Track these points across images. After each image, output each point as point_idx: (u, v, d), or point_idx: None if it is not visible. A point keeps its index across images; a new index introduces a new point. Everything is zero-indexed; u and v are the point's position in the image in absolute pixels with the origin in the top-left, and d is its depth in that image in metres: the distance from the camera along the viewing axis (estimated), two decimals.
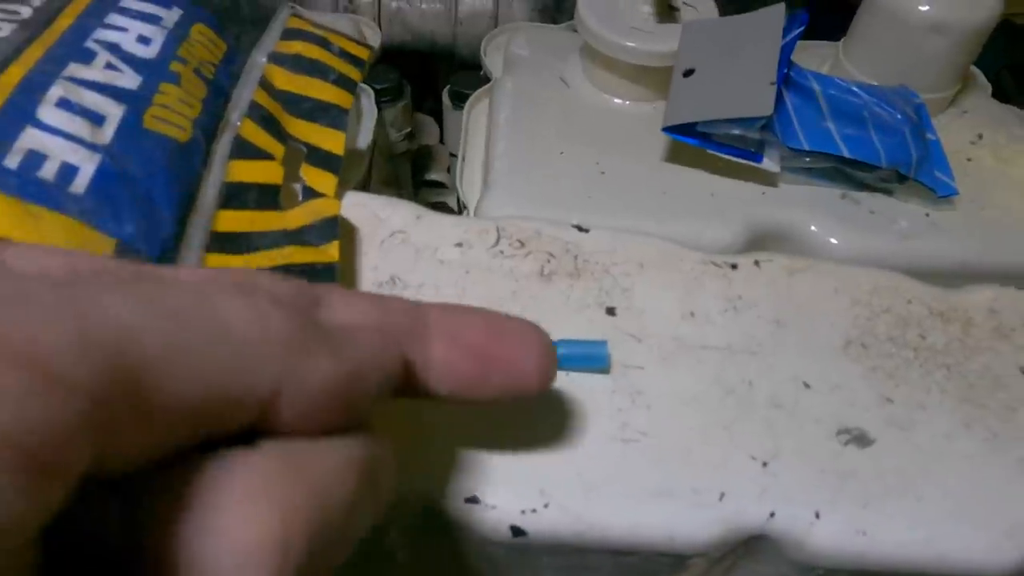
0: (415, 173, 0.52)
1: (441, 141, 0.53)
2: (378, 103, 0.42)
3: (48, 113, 0.18)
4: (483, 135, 0.40)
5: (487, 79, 0.44)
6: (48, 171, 0.17)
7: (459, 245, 0.24)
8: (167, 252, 0.18)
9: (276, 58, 0.26)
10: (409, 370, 0.15)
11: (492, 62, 0.44)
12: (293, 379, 0.12)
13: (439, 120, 0.53)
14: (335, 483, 0.12)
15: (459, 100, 0.44)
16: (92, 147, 0.18)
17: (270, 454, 0.11)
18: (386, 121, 0.44)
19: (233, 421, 0.11)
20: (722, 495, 0.20)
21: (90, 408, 0.09)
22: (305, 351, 0.12)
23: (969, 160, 0.36)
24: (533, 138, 0.36)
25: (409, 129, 0.46)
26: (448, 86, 0.46)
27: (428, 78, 0.55)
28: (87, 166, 0.18)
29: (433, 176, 0.51)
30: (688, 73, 0.34)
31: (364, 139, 0.40)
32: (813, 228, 0.33)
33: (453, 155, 0.51)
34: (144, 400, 0.09)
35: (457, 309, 0.17)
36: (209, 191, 0.20)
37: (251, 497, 0.11)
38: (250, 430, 0.12)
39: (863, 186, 0.34)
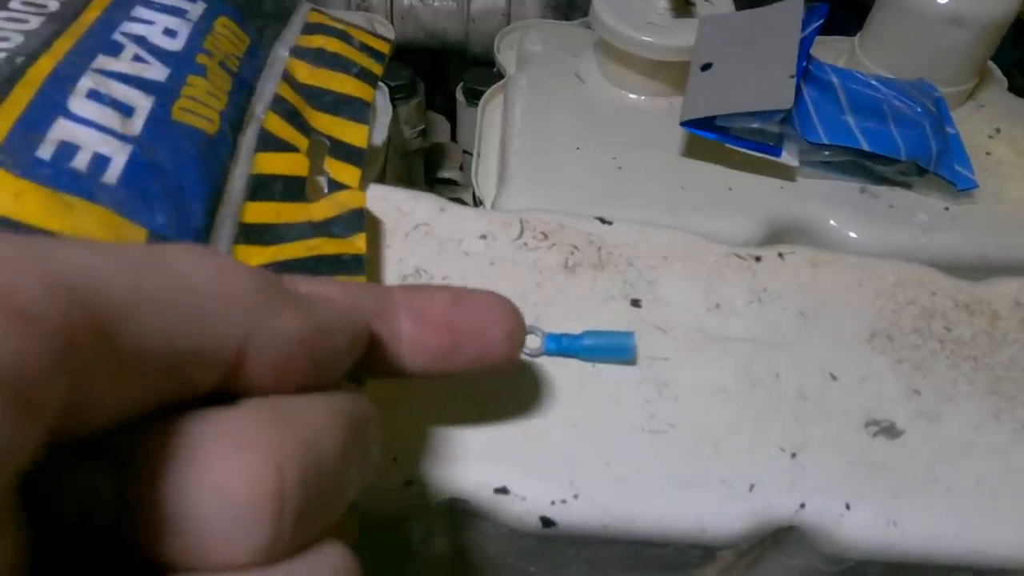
0: (427, 171, 0.52)
1: (453, 139, 0.53)
2: (392, 100, 0.42)
3: (79, 104, 0.18)
4: (498, 131, 0.40)
5: (500, 76, 0.43)
6: (81, 161, 0.17)
7: (483, 237, 0.24)
8: (199, 243, 0.18)
9: (298, 52, 0.26)
10: (380, 347, 0.15)
11: (505, 59, 0.44)
12: (260, 332, 0.11)
13: (451, 118, 0.53)
14: (324, 433, 0.12)
15: (473, 97, 0.44)
16: (123, 138, 0.18)
17: (256, 407, 0.11)
18: (400, 118, 0.44)
19: (204, 375, 0.11)
20: (752, 486, 0.20)
21: (63, 347, 0.09)
22: (270, 305, 0.12)
23: (988, 154, 0.36)
24: (548, 134, 0.36)
25: (422, 126, 0.46)
26: (462, 83, 0.46)
27: (440, 76, 0.55)
28: (119, 157, 0.18)
29: (445, 174, 0.51)
30: (706, 67, 0.34)
31: (379, 136, 0.40)
32: (832, 222, 0.33)
33: (466, 152, 0.51)
34: (112, 347, 0.09)
35: (421, 288, 0.17)
36: (237, 183, 0.20)
37: (241, 448, 0.10)
38: (226, 394, 0.12)
39: (882, 180, 0.34)
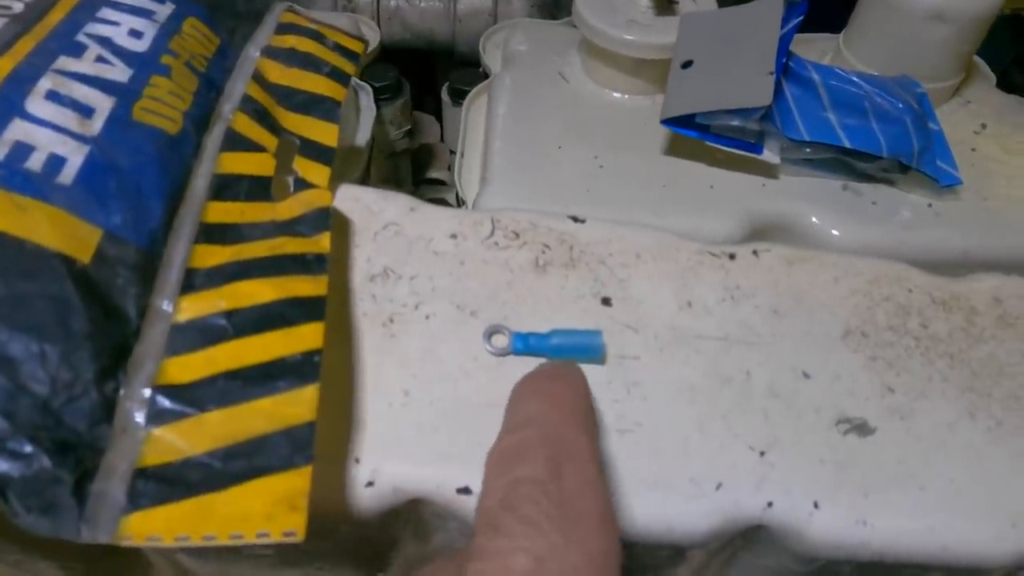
0: (416, 171, 0.51)
1: (442, 139, 0.53)
2: (377, 101, 0.42)
3: (36, 105, 0.18)
4: (482, 131, 0.40)
5: (486, 76, 0.43)
6: (35, 162, 0.17)
7: (453, 236, 0.24)
8: (155, 242, 0.18)
9: (269, 52, 0.26)
10: None
11: (491, 59, 0.44)
12: None
13: (440, 118, 0.53)
14: None
15: (458, 97, 0.44)
16: (81, 139, 0.18)
17: None
18: (385, 119, 0.44)
19: None
20: (719, 485, 0.20)
21: None
22: None
23: (973, 150, 0.36)
24: (531, 133, 0.35)
25: (409, 127, 0.46)
26: (447, 83, 0.46)
27: (428, 76, 0.55)
28: (75, 157, 0.18)
29: (434, 174, 0.51)
30: (687, 65, 0.34)
31: (363, 136, 0.40)
32: (814, 220, 0.32)
33: (454, 153, 0.51)
34: None
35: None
36: (199, 182, 0.20)
37: None
38: None
39: (865, 177, 0.34)
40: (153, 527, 0.14)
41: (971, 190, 0.34)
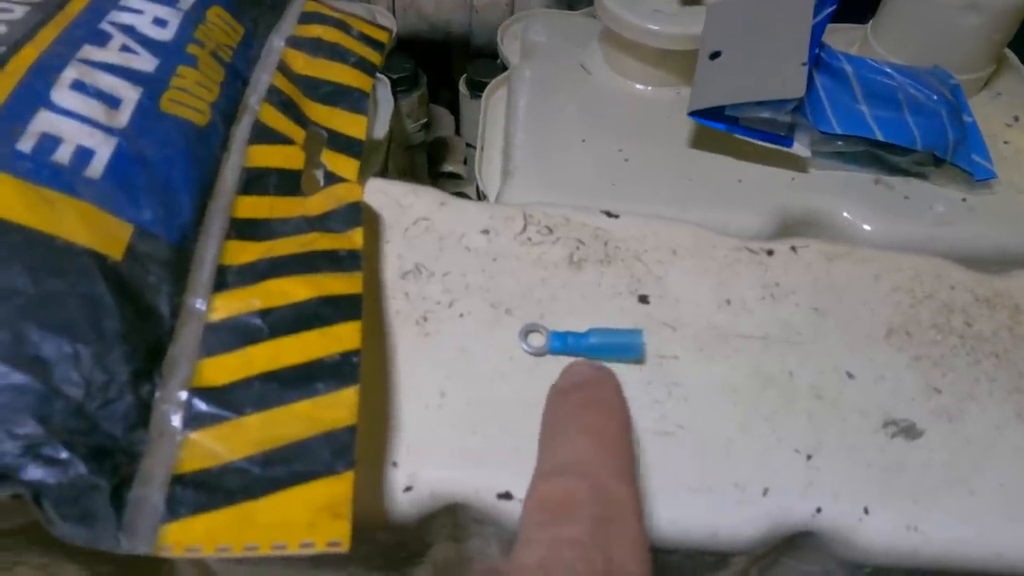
0: (430, 165, 0.51)
1: (457, 132, 0.52)
2: (394, 93, 0.41)
3: (62, 95, 0.18)
4: (502, 124, 0.39)
5: (504, 67, 0.43)
6: (63, 155, 0.17)
7: (485, 232, 0.23)
8: (186, 238, 0.17)
9: (294, 42, 0.25)
10: None
11: (509, 50, 0.43)
12: None
13: (454, 112, 0.52)
14: None
15: (476, 89, 0.43)
16: (108, 130, 0.18)
17: None
18: (402, 111, 0.44)
19: None
20: (766, 490, 0.20)
21: None
22: None
23: (1006, 143, 0.35)
24: (553, 126, 0.35)
25: (425, 119, 0.45)
26: (464, 75, 0.45)
27: (443, 69, 0.55)
28: (103, 150, 0.17)
29: (449, 168, 0.51)
30: (715, 56, 0.33)
31: (381, 129, 0.39)
32: (846, 215, 0.32)
33: (470, 146, 0.50)
34: None
35: None
36: (228, 176, 0.20)
37: None
38: None
39: (897, 171, 0.33)
40: (193, 537, 0.14)
41: (1005, 184, 0.33)
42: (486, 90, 0.41)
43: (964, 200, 0.32)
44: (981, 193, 0.33)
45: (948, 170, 0.32)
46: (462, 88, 0.46)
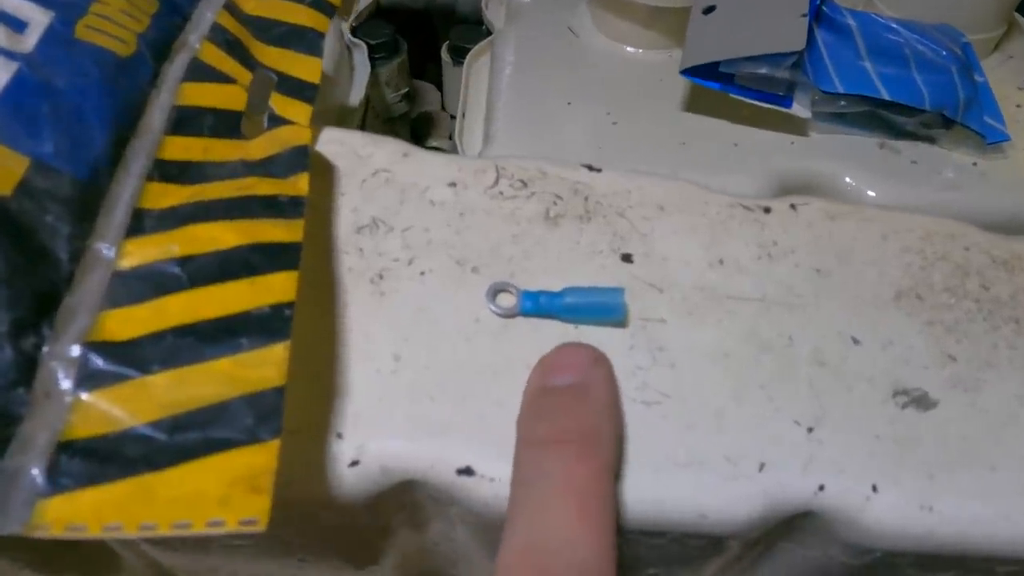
0: (416, 141, 0.49)
1: (443, 108, 0.50)
2: (372, 60, 0.39)
3: None
4: (484, 90, 0.37)
5: (489, 33, 0.40)
6: None
7: (452, 185, 0.21)
8: (97, 175, 0.15)
9: None
10: None
11: (494, 15, 0.41)
12: None
13: (441, 86, 0.50)
14: None
15: (459, 55, 0.41)
16: (9, 55, 0.15)
17: None
18: (381, 80, 0.41)
19: None
20: (762, 465, 0.17)
21: None
22: None
23: (1018, 106, 0.33)
24: (538, 89, 0.33)
25: (407, 89, 0.43)
26: (447, 41, 0.43)
27: (427, 41, 0.52)
28: (0, 75, 0.15)
29: (435, 143, 0.49)
30: (709, 10, 0.31)
31: (356, 96, 0.37)
32: (848, 180, 0.30)
33: (455, 118, 0.48)
34: None
35: None
36: (156, 114, 0.17)
37: None
38: None
39: (904, 133, 0.31)
40: (77, 514, 0.12)
41: (1017, 148, 0.31)
42: (468, 55, 0.39)
43: (975, 164, 0.30)
44: (993, 157, 0.30)
45: (958, 132, 0.30)
46: (444, 55, 0.43)
